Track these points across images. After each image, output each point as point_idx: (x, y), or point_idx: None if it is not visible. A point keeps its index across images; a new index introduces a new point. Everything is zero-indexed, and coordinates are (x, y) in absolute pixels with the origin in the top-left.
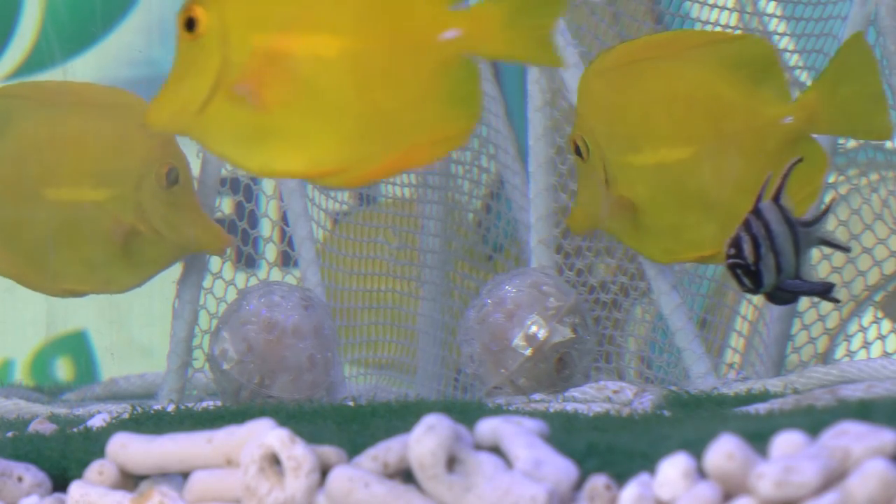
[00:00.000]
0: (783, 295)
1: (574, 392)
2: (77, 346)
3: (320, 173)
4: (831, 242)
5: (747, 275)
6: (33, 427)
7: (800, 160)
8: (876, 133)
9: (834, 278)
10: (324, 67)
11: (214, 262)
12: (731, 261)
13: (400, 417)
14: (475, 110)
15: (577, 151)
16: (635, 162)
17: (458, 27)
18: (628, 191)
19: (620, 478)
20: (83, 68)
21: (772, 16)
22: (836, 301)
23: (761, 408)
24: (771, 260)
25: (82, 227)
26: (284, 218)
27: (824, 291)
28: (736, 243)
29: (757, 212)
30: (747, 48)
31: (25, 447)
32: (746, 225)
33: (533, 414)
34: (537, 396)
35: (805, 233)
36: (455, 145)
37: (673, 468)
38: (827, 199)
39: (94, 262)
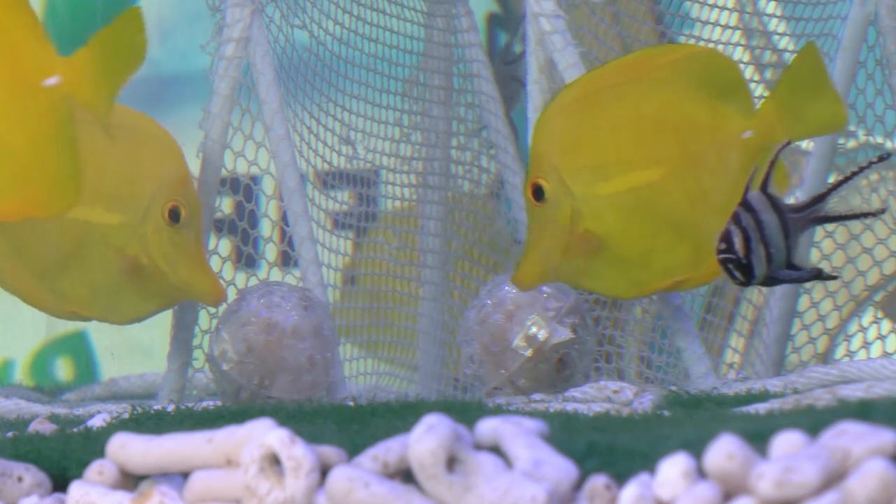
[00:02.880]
0: (775, 283)
1: (574, 392)
2: (77, 346)
3: None
4: (835, 217)
5: (738, 268)
6: (33, 427)
7: (788, 143)
8: (833, 124)
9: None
10: None
11: (214, 263)
12: (721, 255)
13: (400, 417)
14: (73, 169)
15: (537, 196)
16: (605, 190)
17: (59, 73)
18: (595, 224)
19: (620, 478)
20: None
21: (772, 16)
22: (833, 278)
23: (761, 408)
24: (762, 251)
25: (91, 250)
26: (284, 218)
27: (815, 277)
28: (726, 237)
29: (746, 203)
30: (709, 64)
31: (25, 447)
32: (735, 218)
33: (533, 414)
34: (537, 396)
35: (795, 218)
36: (68, 200)
37: (673, 468)
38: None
39: (99, 288)
